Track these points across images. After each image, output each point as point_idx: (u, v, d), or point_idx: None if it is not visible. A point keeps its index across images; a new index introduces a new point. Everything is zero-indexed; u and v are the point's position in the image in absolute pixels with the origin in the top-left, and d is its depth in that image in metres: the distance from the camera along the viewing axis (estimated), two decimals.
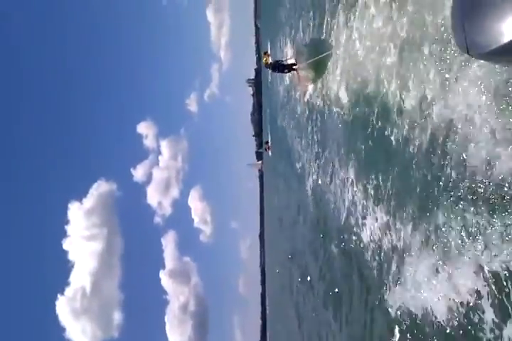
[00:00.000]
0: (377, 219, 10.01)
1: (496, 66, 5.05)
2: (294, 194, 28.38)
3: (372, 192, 10.32)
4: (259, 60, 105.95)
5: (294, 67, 18.92)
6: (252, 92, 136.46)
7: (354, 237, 12.26)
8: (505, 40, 2.44)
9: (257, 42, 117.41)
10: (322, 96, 17.14)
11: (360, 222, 11.42)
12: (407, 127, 8.07)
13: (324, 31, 15.95)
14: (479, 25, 2.57)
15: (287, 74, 20.62)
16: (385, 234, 9.35)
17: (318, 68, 16.29)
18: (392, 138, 8.81)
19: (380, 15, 9.55)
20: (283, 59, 21.57)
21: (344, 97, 13.30)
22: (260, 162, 79.83)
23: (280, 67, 20.12)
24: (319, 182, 17.76)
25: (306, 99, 21.77)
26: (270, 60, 25.19)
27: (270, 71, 23.19)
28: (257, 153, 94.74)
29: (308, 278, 20.80)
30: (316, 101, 18.83)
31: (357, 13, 11.32)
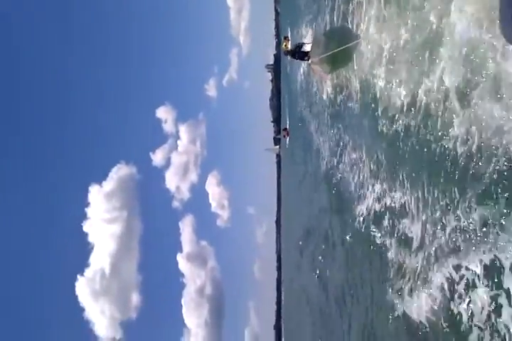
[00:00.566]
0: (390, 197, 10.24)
1: None
2: (310, 179, 28.50)
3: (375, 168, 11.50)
4: (278, 45, 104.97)
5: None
6: (270, 78, 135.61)
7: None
8: None
9: (277, 28, 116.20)
10: (339, 87, 17.36)
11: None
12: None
13: (348, 19, 15.38)
14: None
15: (307, 61, 19.66)
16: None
17: (338, 60, 15.75)
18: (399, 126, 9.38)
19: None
20: (303, 42, 20.61)
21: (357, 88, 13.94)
22: (278, 147, 79.65)
23: (300, 54, 19.35)
24: (336, 165, 17.90)
25: (324, 89, 21.68)
26: (289, 46, 24.77)
27: (289, 58, 22.43)
28: (274, 139, 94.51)
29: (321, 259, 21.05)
30: (333, 91, 18.82)
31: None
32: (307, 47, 19.13)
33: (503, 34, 2.71)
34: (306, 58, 19.18)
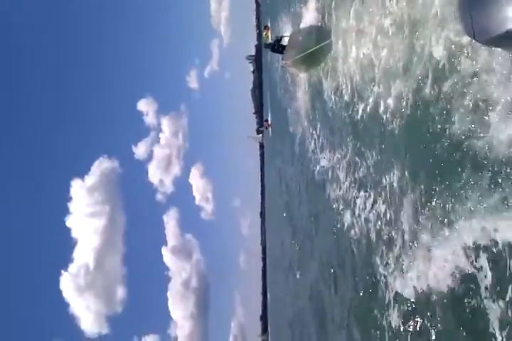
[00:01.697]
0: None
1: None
2: (294, 170, 28.69)
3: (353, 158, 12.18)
4: (259, 35, 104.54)
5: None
6: (252, 69, 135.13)
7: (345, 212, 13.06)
8: (511, 26, 2.45)
9: (258, 18, 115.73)
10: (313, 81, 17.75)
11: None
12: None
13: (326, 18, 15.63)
14: (485, 11, 2.58)
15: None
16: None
17: (311, 60, 16.16)
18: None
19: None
20: (283, 35, 20.77)
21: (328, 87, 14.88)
22: (261, 135, 79.82)
23: (279, 47, 19.46)
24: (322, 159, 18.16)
25: (301, 81, 22.06)
26: (270, 35, 24.60)
27: (269, 51, 22.48)
28: (257, 131, 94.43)
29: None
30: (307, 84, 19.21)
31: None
32: (286, 41, 19.19)
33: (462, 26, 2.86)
34: (284, 51, 19.16)
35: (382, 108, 9.75)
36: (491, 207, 5.50)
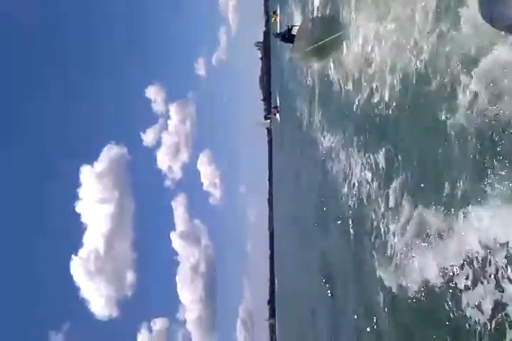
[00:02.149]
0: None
1: None
2: (302, 159, 28.97)
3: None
4: (267, 22, 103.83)
5: None
6: (260, 55, 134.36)
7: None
8: None
9: (266, 4, 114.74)
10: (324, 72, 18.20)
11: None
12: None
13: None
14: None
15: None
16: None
17: (321, 51, 16.27)
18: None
19: None
20: (293, 25, 20.71)
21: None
22: (268, 121, 79.84)
23: (289, 37, 19.40)
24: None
25: (309, 71, 22.22)
26: (278, 20, 24.40)
27: (279, 41, 22.45)
28: (265, 117, 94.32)
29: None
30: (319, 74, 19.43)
31: None
32: (296, 30, 19.21)
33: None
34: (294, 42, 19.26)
35: (377, 98, 11.32)
36: None
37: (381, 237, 10.65)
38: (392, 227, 9.97)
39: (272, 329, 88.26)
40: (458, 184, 6.97)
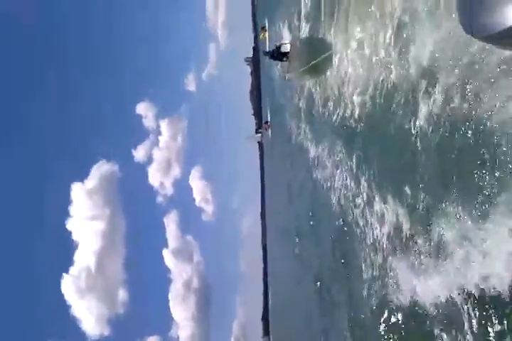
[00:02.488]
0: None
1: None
2: (293, 172, 29.15)
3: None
4: (256, 37, 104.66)
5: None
6: (250, 71, 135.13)
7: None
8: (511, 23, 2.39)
9: (254, 21, 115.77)
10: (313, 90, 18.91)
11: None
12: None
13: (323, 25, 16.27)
14: (486, 8, 2.52)
15: (285, 61, 20.30)
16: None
17: (313, 71, 16.91)
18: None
19: None
20: (281, 43, 20.93)
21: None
22: (259, 135, 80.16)
23: (278, 55, 19.62)
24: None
25: (298, 89, 22.66)
26: (267, 36, 24.46)
27: (268, 58, 22.65)
28: (256, 131, 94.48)
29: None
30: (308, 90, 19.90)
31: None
32: (285, 48, 19.48)
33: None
34: (284, 59, 19.61)
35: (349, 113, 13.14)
36: None
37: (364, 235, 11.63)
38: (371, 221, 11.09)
39: None
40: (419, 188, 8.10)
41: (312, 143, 20.53)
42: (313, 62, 15.58)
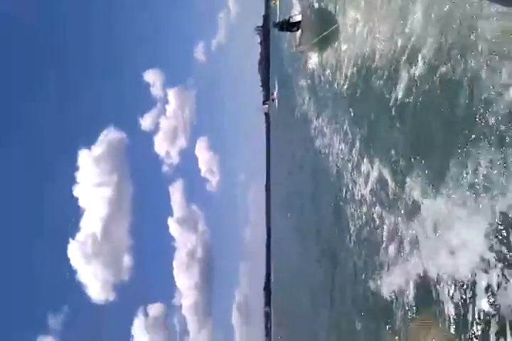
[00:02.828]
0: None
1: None
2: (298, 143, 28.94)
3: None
4: (267, 6, 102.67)
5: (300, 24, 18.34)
6: (259, 40, 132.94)
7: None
8: None
9: None
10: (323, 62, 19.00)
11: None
12: None
13: None
14: None
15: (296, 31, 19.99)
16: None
17: (323, 43, 16.98)
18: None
19: None
20: (291, 15, 20.56)
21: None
22: (267, 106, 79.75)
23: (288, 25, 19.23)
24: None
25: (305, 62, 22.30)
26: (278, 3, 24.01)
27: (278, 29, 22.01)
28: (263, 103, 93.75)
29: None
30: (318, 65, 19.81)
31: None
32: (296, 18, 19.14)
33: None
34: (294, 29, 19.25)
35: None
36: None
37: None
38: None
39: (267, 316, 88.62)
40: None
41: (315, 114, 21.11)
42: (324, 34, 15.63)
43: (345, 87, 14.45)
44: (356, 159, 12.75)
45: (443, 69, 6.98)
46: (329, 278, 16.33)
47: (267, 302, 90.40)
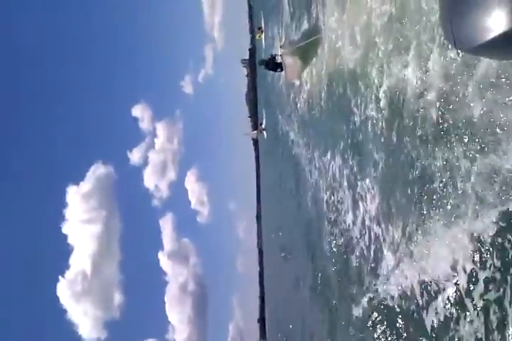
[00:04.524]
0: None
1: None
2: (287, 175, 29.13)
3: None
4: (253, 39, 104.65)
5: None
6: (246, 73, 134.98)
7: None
8: (491, 35, 2.49)
9: (251, 22, 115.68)
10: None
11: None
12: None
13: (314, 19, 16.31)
14: (466, 21, 2.62)
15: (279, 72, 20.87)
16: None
17: (306, 54, 16.79)
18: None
19: None
20: (276, 54, 21.19)
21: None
22: (255, 131, 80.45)
23: (273, 65, 19.73)
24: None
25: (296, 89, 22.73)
26: (263, 37, 24.58)
27: (263, 68, 22.55)
28: (253, 129, 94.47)
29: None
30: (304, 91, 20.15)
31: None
32: (279, 59, 19.46)
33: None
34: (278, 69, 19.78)
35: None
36: None
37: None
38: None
39: None
40: None
41: (303, 147, 21.17)
42: (307, 41, 15.72)
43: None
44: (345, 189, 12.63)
45: None
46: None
47: (263, 335, 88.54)
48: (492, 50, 2.69)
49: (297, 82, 20.07)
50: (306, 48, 15.93)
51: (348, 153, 12.59)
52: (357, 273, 11.13)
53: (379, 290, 9.25)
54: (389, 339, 8.52)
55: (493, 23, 2.47)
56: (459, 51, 2.73)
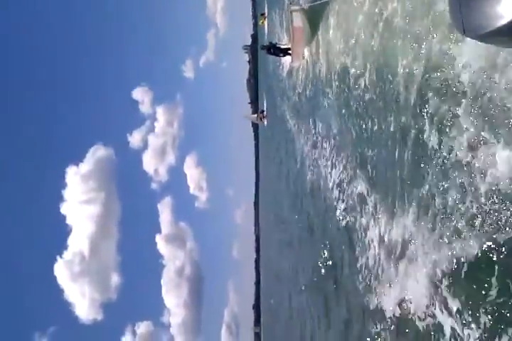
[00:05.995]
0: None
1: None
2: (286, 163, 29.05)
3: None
4: (255, 25, 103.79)
5: (289, 51, 18.60)
6: (248, 59, 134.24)
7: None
8: (501, 22, 2.46)
9: (254, 7, 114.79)
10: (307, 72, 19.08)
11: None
12: None
13: None
14: (475, 7, 2.59)
15: (282, 57, 20.73)
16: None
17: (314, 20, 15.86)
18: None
19: None
20: (279, 42, 20.94)
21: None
22: (255, 115, 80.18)
23: (275, 50, 19.70)
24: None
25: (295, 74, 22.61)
26: (266, 22, 24.24)
27: (265, 52, 22.35)
28: (253, 123, 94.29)
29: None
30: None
31: None
32: (283, 46, 19.62)
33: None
34: (280, 55, 19.85)
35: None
36: None
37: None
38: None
39: (258, 337, 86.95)
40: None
41: (301, 136, 20.94)
42: (316, 2, 14.24)
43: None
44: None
45: None
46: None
47: (257, 321, 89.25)
48: (502, 37, 2.65)
49: (300, 65, 19.92)
50: (319, 9, 14.42)
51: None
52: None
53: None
54: None
55: (503, 10, 2.44)
56: (468, 38, 2.69)
